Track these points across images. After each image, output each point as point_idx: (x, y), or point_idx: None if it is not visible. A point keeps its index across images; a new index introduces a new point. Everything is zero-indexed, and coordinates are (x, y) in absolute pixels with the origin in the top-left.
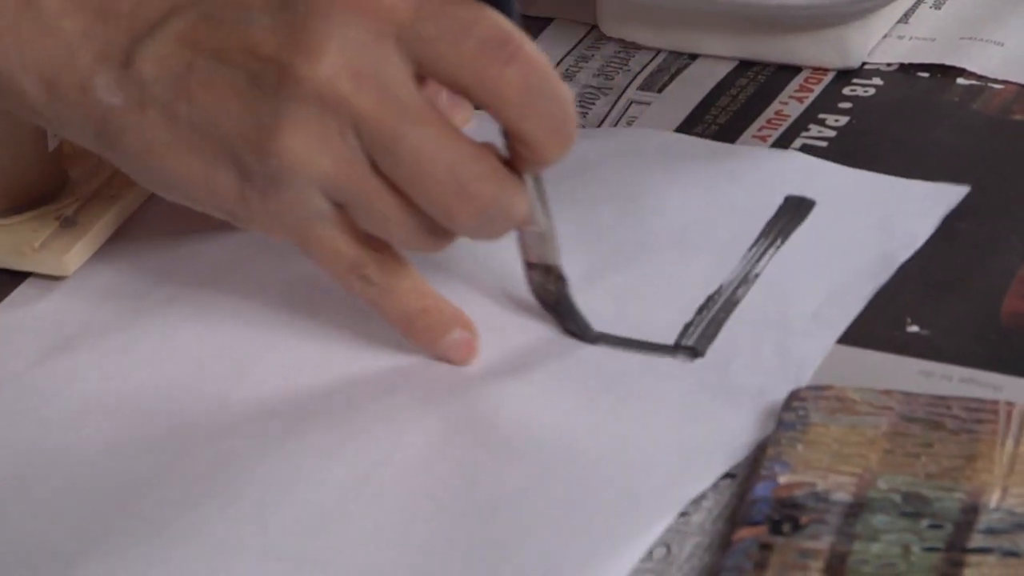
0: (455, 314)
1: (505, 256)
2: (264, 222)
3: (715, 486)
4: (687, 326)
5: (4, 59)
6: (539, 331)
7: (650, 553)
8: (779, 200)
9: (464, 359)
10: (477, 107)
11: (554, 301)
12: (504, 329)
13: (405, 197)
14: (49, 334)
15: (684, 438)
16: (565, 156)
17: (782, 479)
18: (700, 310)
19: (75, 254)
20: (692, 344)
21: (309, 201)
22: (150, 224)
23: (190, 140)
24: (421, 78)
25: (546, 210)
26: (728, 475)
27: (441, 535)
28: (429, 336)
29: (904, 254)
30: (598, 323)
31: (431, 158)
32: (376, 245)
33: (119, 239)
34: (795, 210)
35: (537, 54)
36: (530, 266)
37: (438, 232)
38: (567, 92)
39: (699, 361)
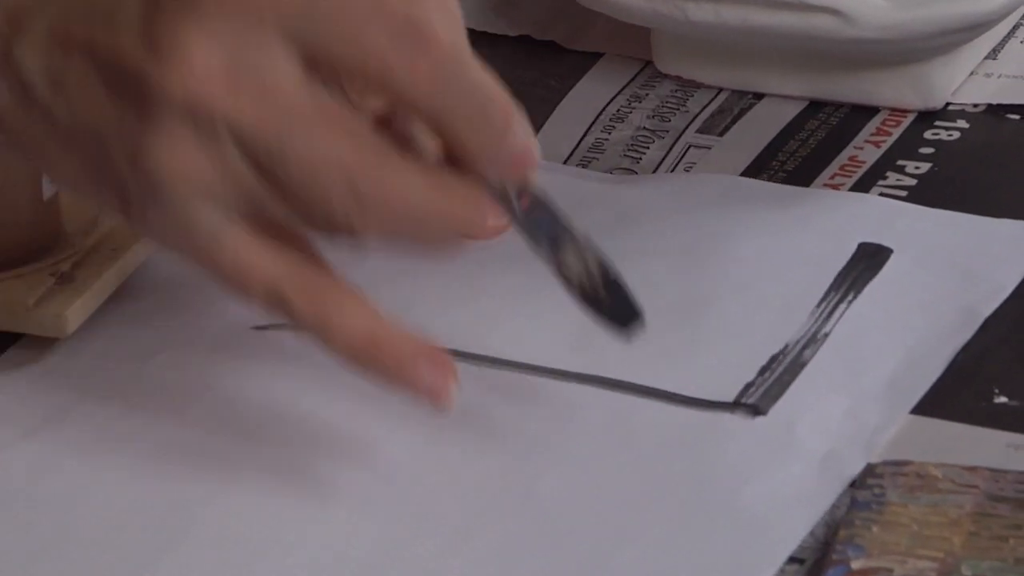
0: (417, 345)
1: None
2: (160, 238)
3: (781, 571)
4: (748, 386)
5: None
6: (580, 390)
7: None
8: (852, 248)
9: (437, 400)
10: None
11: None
12: (542, 387)
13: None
14: (43, 401)
15: (744, 507)
16: (505, 154)
17: (856, 564)
18: (762, 371)
19: (74, 313)
20: (754, 402)
21: (196, 216)
22: (153, 281)
23: (70, 144)
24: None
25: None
26: (795, 559)
27: None
28: (384, 373)
29: (989, 306)
30: (650, 383)
31: (324, 165)
32: (300, 260)
33: (120, 297)
34: (870, 259)
35: (451, 41)
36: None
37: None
38: (488, 78)
39: (760, 419)
